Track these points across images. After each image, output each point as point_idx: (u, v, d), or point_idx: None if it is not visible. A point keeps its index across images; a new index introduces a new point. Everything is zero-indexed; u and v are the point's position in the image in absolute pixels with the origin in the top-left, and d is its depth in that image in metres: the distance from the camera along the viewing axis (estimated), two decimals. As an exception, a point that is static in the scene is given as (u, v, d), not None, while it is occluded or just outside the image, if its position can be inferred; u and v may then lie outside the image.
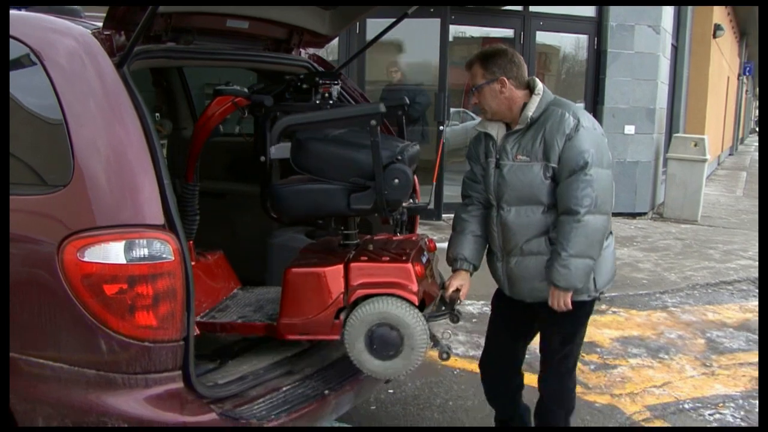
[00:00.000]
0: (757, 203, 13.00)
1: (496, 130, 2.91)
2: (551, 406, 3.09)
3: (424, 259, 2.88)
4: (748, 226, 10.42)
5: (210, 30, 2.95)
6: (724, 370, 4.71)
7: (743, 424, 3.92)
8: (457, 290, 2.93)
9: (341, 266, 2.66)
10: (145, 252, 2.22)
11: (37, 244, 2.28)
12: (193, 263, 2.87)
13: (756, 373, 4.66)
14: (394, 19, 3.46)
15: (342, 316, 2.67)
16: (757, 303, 6.43)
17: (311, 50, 3.61)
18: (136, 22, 2.35)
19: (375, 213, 2.73)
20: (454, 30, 9.47)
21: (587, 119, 2.81)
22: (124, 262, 2.20)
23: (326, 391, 2.72)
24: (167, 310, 2.26)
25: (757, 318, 5.93)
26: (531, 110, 2.79)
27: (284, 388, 2.68)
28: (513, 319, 3.08)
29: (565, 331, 2.98)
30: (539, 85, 2.87)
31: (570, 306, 2.81)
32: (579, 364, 4.59)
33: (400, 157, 2.69)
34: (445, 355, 2.71)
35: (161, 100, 4.26)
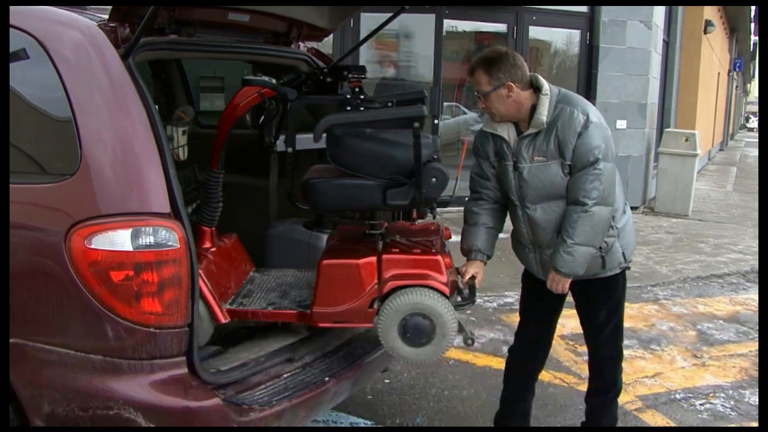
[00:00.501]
0: (746, 198, 13.14)
1: (507, 131, 2.97)
2: (605, 372, 3.27)
3: (447, 250, 3.00)
4: (738, 220, 10.52)
5: (212, 23, 2.99)
6: (715, 361, 4.79)
7: (733, 414, 4.00)
8: (473, 277, 3.04)
9: (375, 258, 2.77)
10: (151, 240, 2.26)
11: (45, 232, 2.32)
12: (214, 249, 2.94)
13: (746, 364, 4.74)
14: (389, 14, 3.50)
15: (375, 305, 2.77)
16: (747, 296, 6.52)
17: (310, 44, 3.65)
18: (141, 14, 2.39)
19: (410, 208, 2.83)
20: (447, 24, 9.52)
21: (594, 114, 2.90)
22: (131, 249, 2.24)
23: (326, 379, 2.77)
24: (172, 296, 2.30)
25: (746, 310, 6.02)
26: (544, 114, 2.87)
27: (285, 375, 2.74)
28: (545, 295, 3.13)
29: (610, 304, 3.16)
30: (545, 85, 2.92)
31: (567, 290, 2.98)
32: (572, 355, 4.70)
33: (436, 156, 2.80)
34: (470, 341, 2.83)
35: (160, 91, 4.28)
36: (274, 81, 2.93)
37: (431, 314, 2.72)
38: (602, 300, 3.15)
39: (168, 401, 2.35)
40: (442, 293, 2.74)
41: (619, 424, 3.80)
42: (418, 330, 2.72)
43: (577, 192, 2.84)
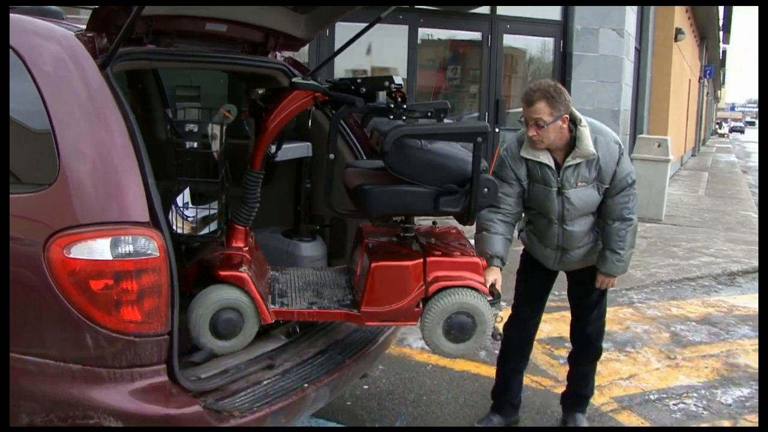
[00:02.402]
0: (718, 202, 13.34)
1: (547, 159, 3.27)
2: (595, 341, 3.70)
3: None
4: (710, 224, 10.68)
5: (189, 33, 3.01)
6: (688, 362, 4.88)
7: (705, 413, 4.07)
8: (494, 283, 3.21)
9: (421, 260, 2.91)
10: (130, 248, 2.27)
11: (22, 242, 2.31)
12: (246, 248, 2.98)
13: (717, 364, 4.84)
14: (364, 24, 3.54)
15: (421, 305, 2.90)
16: (718, 298, 6.64)
17: (286, 53, 3.68)
18: (119, 24, 2.40)
19: (460, 215, 2.98)
20: (422, 33, 9.59)
21: (619, 140, 3.37)
22: (110, 258, 2.25)
23: (305, 385, 2.79)
24: (152, 305, 2.31)
25: (717, 312, 6.13)
26: (591, 146, 3.22)
27: (265, 382, 2.76)
28: (548, 279, 3.65)
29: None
30: (582, 118, 3.26)
31: (614, 284, 3.55)
32: (548, 359, 4.76)
33: (485, 168, 2.95)
34: (499, 336, 3.04)
35: (136, 101, 4.29)
36: (323, 86, 2.98)
37: (474, 313, 2.88)
38: (595, 282, 3.52)
39: (148, 409, 2.36)
40: (483, 293, 2.92)
41: (595, 425, 3.88)
42: (462, 327, 2.88)
43: (622, 210, 3.33)
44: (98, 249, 2.25)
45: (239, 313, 2.79)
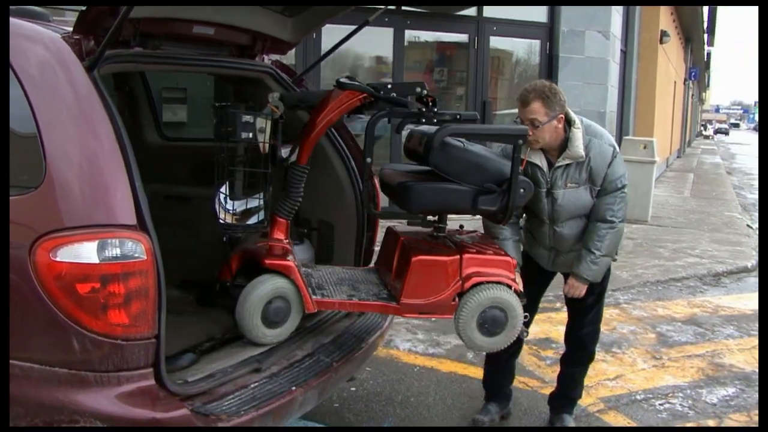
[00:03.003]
0: (703, 203, 13.43)
1: (540, 160, 3.33)
2: (588, 345, 3.71)
3: None
4: (696, 225, 10.76)
5: (177, 35, 3.00)
6: (674, 362, 4.91)
7: (690, 413, 4.11)
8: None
9: (458, 257, 3.02)
10: (117, 251, 2.26)
11: (8, 245, 2.30)
12: (287, 240, 3.07)
13: (702, 364, 4.88)
14: (352, 26, 3.54)
15: (457, 299, 3.02)
16: (703, 298, 6.70)
17: (274, 56, 3.68)
18: (106, 27, 2.39)
19: (496, 214, 3.13)
20: (409, 35, 9.60)
21: (614, 143, 3.40)
22: (97, 261, 2.24)
23: (293, 388, 2.78)
24: (139, 308, 2.30)
25: (703, 312, 6.18)
26: (581, 147, 3.26)
27: (252, 385, 2.74)
28: (545, 279, 3.71)
29: (599, 290, 3.58)
30: (577, 119, 3.30)
31: (583, 294, 3.45)
32: (535, 360, 4.78)
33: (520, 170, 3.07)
34: (525, 334, 3.15)
35: (123, 104, 4.27)
36: (369, 87, 3.03)
37: (507, 308, 3.00)
38: (593, 287, 3.51)
39: (135, 413, 2.34)
40: (514, 289, 3.04)
41: (582, 425, 3.90)
42: (495, 321, 3.00)
43: (606, 211, 3.31)
44: (85, 252, 2.24)
45: (287, 301, 2.95)
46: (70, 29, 2.52)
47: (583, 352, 3.73)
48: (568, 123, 3.28)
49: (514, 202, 3.03)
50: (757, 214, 13.35)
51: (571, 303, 3.66)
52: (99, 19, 2.46)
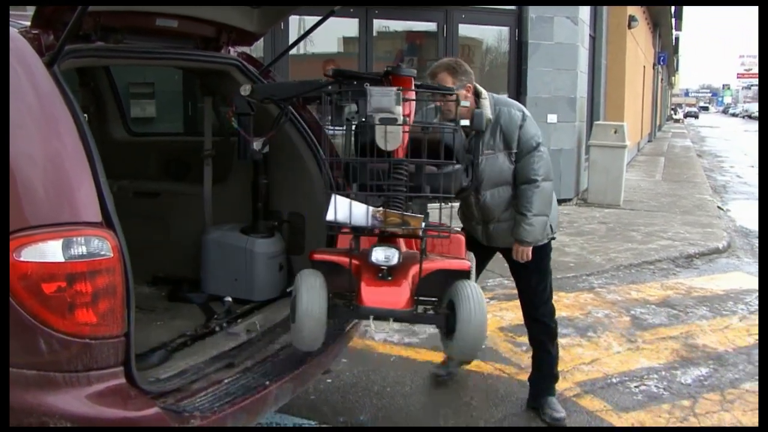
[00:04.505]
0: (674, 187, 13.57)
1: None
2: (547, 322, 3.81)
3: None
4: (667, 208, 10.87)
5: (139, 29, 2.95)
6: (648, 344, 4.96)
7: (666, 394, 4.15)
8: None
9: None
10: (83, 249, 2.22)
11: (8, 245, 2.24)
12: None
13: (676, 346, 4.93)
14: (318, 17, 3.51)
15: None
16: (676, 280, 6.77)
17: (240, 48, 3.63)
18: (65, 21, 2.34)
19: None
20: (378, 24, 9.56)
21: (525, 109, 3.58)
22: (62, 260, 2.19)
23: (267, 383, 2.76)
24: (107, 306, 2.26)
25: (676, 294, 6.25)
26: (488, 114, 3.44)
27: (226, 381, 2.72)
28: (485, 256, 3.80)
29: (538, 269, 3.70)
30: (484, 91, 3.53)
31: (530, 257, 3.56)
32: (511, 346, 4.79)
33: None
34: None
35: (89, 100, 4.20)
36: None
37: None
38: (533, 266, 3.64)
39: (106, 413, 2.31)
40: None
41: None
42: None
43: (528, 172, 3.46)
44: (50, 251, 2.19)
45: None
46: (28, 23, 2.46)
47: (544, 327, 3.81)
48: (477, 96, 3.50)
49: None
50: (728, 196, 13.54)
51: (519, 284, 3.80)
52: (58, 13, 2.41)
